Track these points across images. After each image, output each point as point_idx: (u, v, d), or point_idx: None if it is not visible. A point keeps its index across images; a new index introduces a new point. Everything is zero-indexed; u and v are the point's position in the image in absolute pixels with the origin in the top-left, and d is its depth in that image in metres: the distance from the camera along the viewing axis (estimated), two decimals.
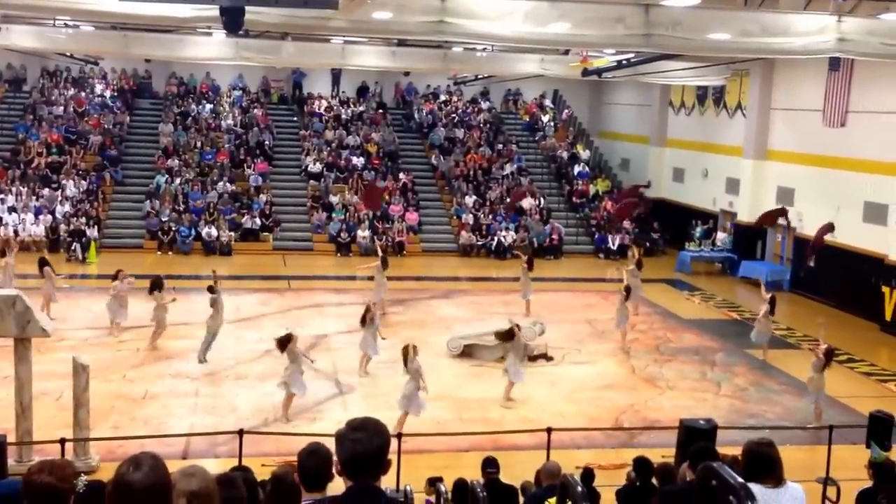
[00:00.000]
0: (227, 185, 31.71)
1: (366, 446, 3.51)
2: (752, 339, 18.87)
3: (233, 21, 12.00)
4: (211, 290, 17.07)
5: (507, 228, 31.08)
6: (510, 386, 15.39)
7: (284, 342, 14.31)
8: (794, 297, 25.27)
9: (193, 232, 29.22)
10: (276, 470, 5.53)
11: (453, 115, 37.91)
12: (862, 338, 20.90)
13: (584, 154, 36.93)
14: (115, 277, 18.76)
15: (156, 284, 18.02)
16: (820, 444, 12.74)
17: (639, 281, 21.97)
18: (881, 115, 22.70)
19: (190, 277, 22.20)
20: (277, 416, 14.18)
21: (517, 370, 15.36)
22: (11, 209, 28.86)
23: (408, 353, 13.84)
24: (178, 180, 31.56)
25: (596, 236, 31.73)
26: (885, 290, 21.91)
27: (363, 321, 16.68)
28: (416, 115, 37.65)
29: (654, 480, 8.40)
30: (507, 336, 15.75)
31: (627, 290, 19.46)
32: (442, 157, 35.07)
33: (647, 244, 31.45)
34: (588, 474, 9.16)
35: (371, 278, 21.74)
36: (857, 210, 23.43)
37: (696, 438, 8.59)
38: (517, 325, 15.89)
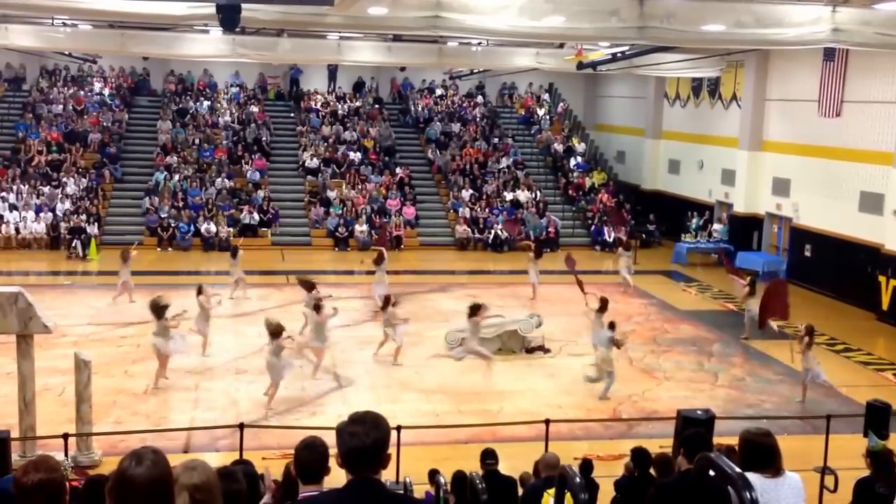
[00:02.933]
0: (226, 181, 31.79)
1: (362, 440, 3.52)
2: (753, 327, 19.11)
3: (229, 18, 12.03)
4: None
5: (503, 222, 31.17)
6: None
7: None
8: (790, 287, 25.28)
9: (192, 228, 29.31)
10: (290, 462, 5.60)
11: (449, 110, 37.96)
12: (859, 327, 20.99)
13: (580, 147, 37.01)
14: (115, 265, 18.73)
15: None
16: (817, 433, 12.82)
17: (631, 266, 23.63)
18: (876, 105, 22.75)
19: (190, 273, 22.29)
20: (278, 409, 14.31)
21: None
22: (12, 207, 28.94)
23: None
24: (176, 177, 31.63)
25: (592, 229, 31.81)
26: (882, 279, 21.99)
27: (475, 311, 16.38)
28: (412, 110, 37.69)
29: (651, 471, 8.48)
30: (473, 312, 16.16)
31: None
32: (438, 152, 35.14)
33: (644, 236, 31.57)
34: (586, 465, 9.22)
35: (371, 272, 21.83)
36: (853, 200, 23.49)
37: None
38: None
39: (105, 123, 34.01)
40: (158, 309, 15.20)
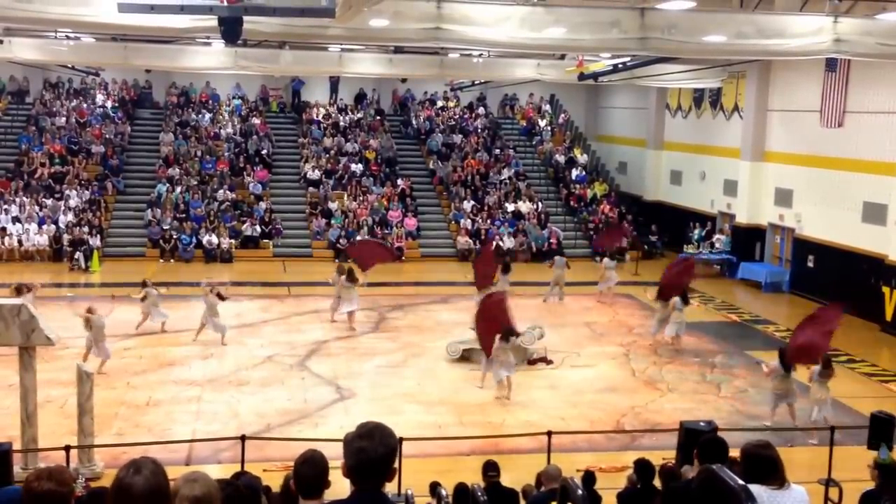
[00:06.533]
0: (228, 193, 31.82)
1: (369, 455, 3.50)
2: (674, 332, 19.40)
3: (231, 31, 12.01)
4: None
5: (505, 233, 31.15)
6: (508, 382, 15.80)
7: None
8: (793, 298, 25.31)
9: (194, 240, 29.33)
10: (289, 475, 5.56)
11: (451, 121, 38.00)
12: (863, 338, 20.91)
13: (582, 158, 37.02)
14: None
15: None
16: (821, 445, 12.77)
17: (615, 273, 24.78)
18: (879, 115, 22.75)
19: (191, 284, 22.26)
20: (280, 421, 14.27)
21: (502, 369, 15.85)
22: (15, 219, 28.98)
23: None
24: (178, 189, 31.68)
25: (594, 240, 31.75)
26: (886, 290, 21.93)
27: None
28: (413, 122, 37.72)
29: (655, 482, 8.44)
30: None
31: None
32: (440, 163, 35.16)
33: (646, 247, 31.52)
34: (589, 477, 9.18)
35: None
36: (856, 210, 23.47)
37: (696, 440, 8.60)
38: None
39: (107, 136, 34.09)
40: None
